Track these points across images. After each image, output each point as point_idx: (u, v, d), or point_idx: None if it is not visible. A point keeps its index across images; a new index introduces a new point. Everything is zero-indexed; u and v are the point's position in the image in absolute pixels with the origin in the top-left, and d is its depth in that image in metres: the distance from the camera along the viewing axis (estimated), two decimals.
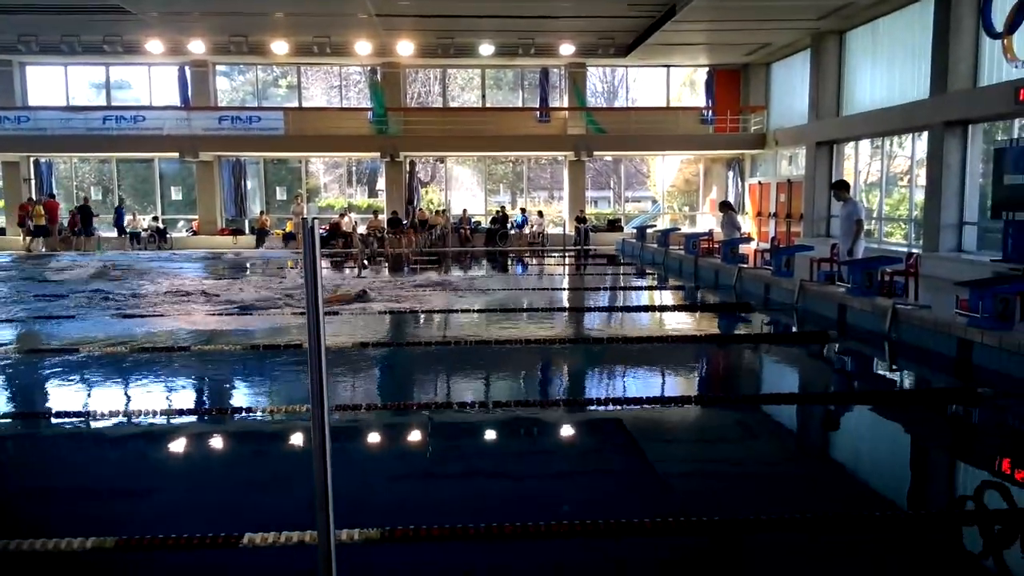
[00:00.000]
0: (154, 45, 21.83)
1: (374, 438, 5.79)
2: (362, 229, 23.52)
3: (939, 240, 13.93)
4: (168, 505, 4.46)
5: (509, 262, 20.35)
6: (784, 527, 4.03)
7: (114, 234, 23.92)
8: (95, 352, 8.27)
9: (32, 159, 24.20)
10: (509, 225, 24.70)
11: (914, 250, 14.21)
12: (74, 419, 5.96)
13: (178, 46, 22.13)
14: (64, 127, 23.19)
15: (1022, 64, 11.84)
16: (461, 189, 28.40)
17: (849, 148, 18.67)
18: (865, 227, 11.96)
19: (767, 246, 15.45)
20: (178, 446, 5.65)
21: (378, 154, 24.16)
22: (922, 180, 14.92)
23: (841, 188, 11.45)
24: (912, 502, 4.74)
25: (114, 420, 5.94)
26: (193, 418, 6.26)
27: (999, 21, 12.13)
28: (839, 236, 11.62)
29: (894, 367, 8.58)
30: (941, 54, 13.85)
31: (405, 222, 23.81)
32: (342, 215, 24.44)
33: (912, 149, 15.92)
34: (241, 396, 7.13)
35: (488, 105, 25.78)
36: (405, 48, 22.04)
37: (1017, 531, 4.22)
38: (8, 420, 6.25)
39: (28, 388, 7.33)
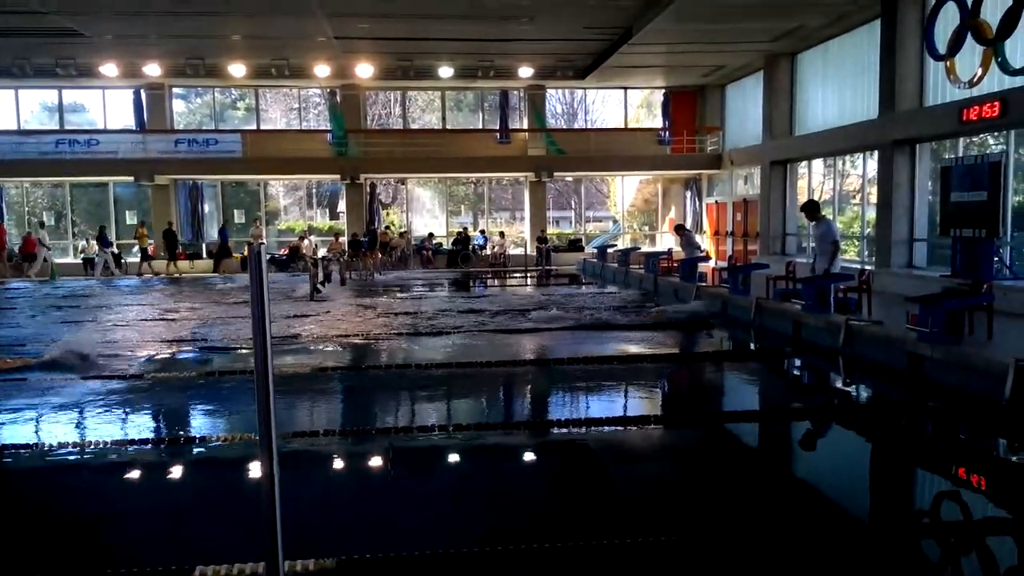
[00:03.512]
0: (109, 68, 21.50)
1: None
2: (323, 251, 23.35)
3: (891, 256, 14.25)
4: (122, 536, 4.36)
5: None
6: (740, 544, 4.06)
7: (68, 260, 23.43)
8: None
9: None
10: (470, 246, 24.73)
11: (866, 267, 14.54)
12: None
13: (133, 69, 21.84)
14: (15, 151, 22.71)
15: (965, 85, 12.22)
16: (422, 210, 28.39)
17: (802, 167, 19.05)
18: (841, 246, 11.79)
19: (725, 264, 15.64)
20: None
21: (338, 176, 24.04)
22: (874, 198, 15.28)
23: (812, 209, 11.23)
24: (864, 515, 4.79)
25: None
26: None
27: (942, 44, 12.50)
28: (816, 256, 11.20)
29: (848, 382, 8.72)
30: (888, 75, 14.24)
31: (365, 240, 23.66)
32: (302, 238, 24.25)
33: (863, 168, 16.31)
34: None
35: (448, 127, 25.83)
36: (364, 70, 22.02)
37: (970, 542, 4.30)
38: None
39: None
